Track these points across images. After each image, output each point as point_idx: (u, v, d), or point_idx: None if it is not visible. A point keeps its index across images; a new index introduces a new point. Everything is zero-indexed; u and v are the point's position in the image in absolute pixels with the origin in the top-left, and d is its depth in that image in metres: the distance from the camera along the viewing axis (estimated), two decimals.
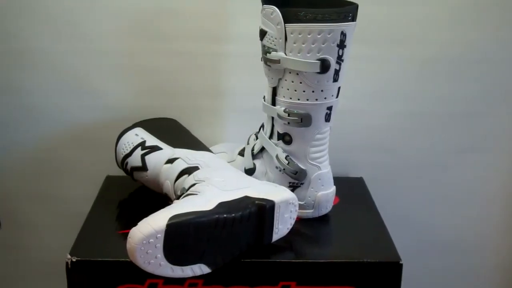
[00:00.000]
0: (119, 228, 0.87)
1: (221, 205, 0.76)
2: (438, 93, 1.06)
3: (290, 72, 0.84)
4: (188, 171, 0.85)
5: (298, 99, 0.84)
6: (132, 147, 0.93)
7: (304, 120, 0.85)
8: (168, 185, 0.87)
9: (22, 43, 1.02)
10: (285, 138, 0.88)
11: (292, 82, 0.84)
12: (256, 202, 0.78)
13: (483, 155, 1.09)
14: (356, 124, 1.07)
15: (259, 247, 0.81)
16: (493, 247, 1.15)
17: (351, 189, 1.01)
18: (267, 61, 0.85)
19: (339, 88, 0.86)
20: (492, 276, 1.17)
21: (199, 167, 0.85)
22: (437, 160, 1.10)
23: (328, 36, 0.81)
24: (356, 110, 1.06)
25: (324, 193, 0.89)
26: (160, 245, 0.71)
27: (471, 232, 1.14)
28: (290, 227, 0.83)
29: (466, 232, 1.14)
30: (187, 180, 0.84)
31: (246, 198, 0.79)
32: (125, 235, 0.73)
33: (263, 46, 0.86)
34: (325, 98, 0.84)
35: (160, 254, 0.72)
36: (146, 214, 0.74)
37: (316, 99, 0.84)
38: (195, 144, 0.94)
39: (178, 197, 0.82)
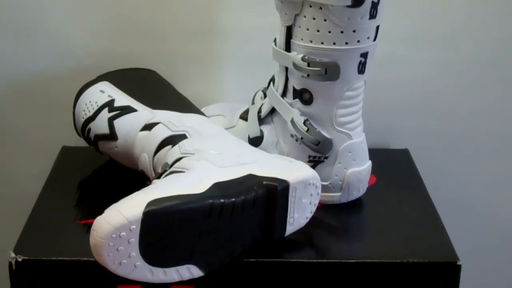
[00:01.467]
0: (79, 217, 0.87)
1: (217, 186, 0.76)
2: (500, 36, 1.05)
3: (310, 6, 0.83)
4: (172, 140, 0.85)
5: (322, 43, 0.84)
6: (96, 108, 0.93)
7: (330, 72, 0.85)
8: (145, 160, 0.88)
9: None
10: (304, 96, 0.88)
11: (314, 19, 0.84)
12: (264, 182, 0.79)
13: None
14: (400, 78, 1.07)
15: (268, 243, 0.81)
16: None
17: (392, 165, 1.01)
18: None
19: (377, 27, 0.86)
20: None
21: (187, 135, 0.86)
22: (506, 129, 1.10)
23: None
24: (400, 59, 1.06)
25: (355, 170, 0.90)
26: (135, 240, 0.72)
27: None
28: (309, 216, 0.84)
29: None
30: (170, 153, 0.84)
31: (251, 177, 0.79)
32: (88, 227, 0.73)
33: None
34: (358, 41, 0.84)
35: (135, 252, 0.72)
36: (115, 199, 0.74)
37: (346, 43, 0.84)
38: (182, 105, 0.94)
39: (158, 176, 0.82)
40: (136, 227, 0.71)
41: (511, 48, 1.07)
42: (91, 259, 0.73)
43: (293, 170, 0.82)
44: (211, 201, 0.75)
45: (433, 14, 1.05)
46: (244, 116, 0.97)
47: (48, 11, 1.04)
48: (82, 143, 0.99)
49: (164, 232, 0.73)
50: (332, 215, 0.89)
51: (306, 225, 0.84)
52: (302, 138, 0.89)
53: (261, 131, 0.94)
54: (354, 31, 0.83)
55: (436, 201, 0.93)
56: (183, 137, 0.86)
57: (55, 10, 1.04)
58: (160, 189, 0.75)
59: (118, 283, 0.78)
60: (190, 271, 0.76)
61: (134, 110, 0.91)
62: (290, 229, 0.82)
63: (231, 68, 1.07)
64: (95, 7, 1.04)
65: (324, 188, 0.89)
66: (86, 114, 0.94)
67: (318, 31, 0.84)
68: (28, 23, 1.04)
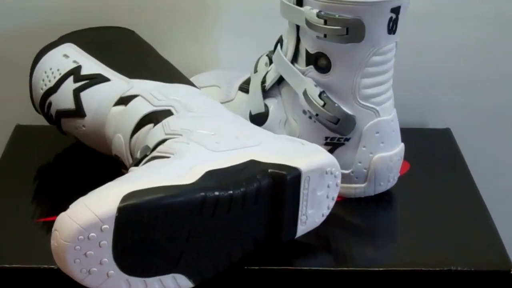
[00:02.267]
0: (37, 213, 0.87)
1: (210, 175, 0.76)
2: None
3: None
4: (155, 117, 0.86)
5: None
6: (58, 77, 0.93)
7: (352, 31, 0.85)
8: (120, 142, 0.88)
9: None
10: (320, 62, 0.88)
11: None
12: (270, 170, 0.79)
13: None
14: (442, 40, 1.07)
15: (274, 246, 0.81)
16: None
17: (430, 148, 1.02)
18: None
19: None
20: None
21: (173, 111, 0.86)
22: None
23: None
24: (441, 15, 1.06)
25: (384, 155, 0.90)
26: (107, 242, 0.72)
27: None
28: (326, 212, 0.84)
29: None
30: (152, 133, 0.84)
31: (253, 163, 0.79)
32: (49, 226, 0.73)
33: None
34: None
35: (108, 258, 0.72)
36: (83, 191, 0.74)
37: None
38: (167, 73, 0.94)
39: (137, 162, 0.82)
40: (109, 227, 0.71)
41: None
42: (53, 266, 0.74)
43: (306, 155, 0.82)
44: (203, 193, 0.75)
45: None
46: (244, 87, 0.97)
47: None
48: (40, 120, 0.99)
49: (144, 233, 0.73)
50: (355, 211, 0.90)
51: (322, 224, 0.84)
52: (317, 114, 0.89)
53: (266, 106, 0.94)
54: None
55: (484, 194, 0.93)
56: (167, 113, 0.86)
57: None
58: (139, 179, 0.75)
59: None
60: (177, 282, 0.76)
61: (106, 80, 0.92)
62: (302, 229, 0.82)
63: (227, 26, 1.07)
64: None
65: (345, 178, 0.89)
66: (45, 85, 0.94)
67: None
68: None
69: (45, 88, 0.94)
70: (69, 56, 0.95)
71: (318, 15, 0.85)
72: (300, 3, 0.87)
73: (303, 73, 0.90)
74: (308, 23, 0.86)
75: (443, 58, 1.08)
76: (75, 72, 0.93)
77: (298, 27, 0.89)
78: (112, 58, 0.94)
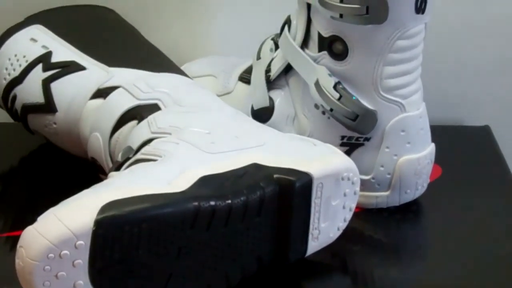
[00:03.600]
0: (0, 226, 0.87)
1: (205, 182, 0.77)
2: None
3: None
4: (139, 113, 0.86)
5: None
6: (25, 65, 0.94)
7: (373, 10, 0.85)
8: (97, 142, 0.88)
9: None
10: (335, 48, 0.89)
11: None
12: (275, 176, 0.79)
13: None
14: (481, 21, 1.08)
15: (281, 266, 0.82)
16: None
17: (467, 149, 1.03)
18: None
19: None
20: None
21: (161, 105, 0.87)
22: None
23: None
24: None
25: (411, 158, 0.90)
26: (82, 261, 0.72)
27: None
28: (343, 226, 0.84)
29: None
30: (136, 132, 0.85)
31: (255, 168, 0.79)
32: (14, 242, 0.74)
33: None
34: None
35: (84, 280, 0.72)
36: (54, 201, 0.74)
37: None
38: (153, 60, 0.95)
39: (118, 166, 0.82)
40: (84, 243, 0.71)
41: None
42: None
43: (318, 157, 0.82)
44: (196, 203, 0.75)
45: None
46: (245, 77, 0.98)
47: None
48: (4, 117, 0.99)
49: (126, 250, 0.73)
50: (377, 225, 0.90)
51: (337, 240, 0.84)
52: (331, 109, 0.89)
53: (271, 100, 0.94)
54: None
55: None
56: (154, 108, 0.86)
57: None
58: (121, 186, 0.75)
59: None
60: None
61: (82, 68, 0.92)
62: (314, 245, 0.83)
63: (224, 6, 1.08)
64: None
65: (365, 185, 0.90)
66: (9, 74, 0.95)
67: None
68: None
69: (8, 78, 0.95)
70: (37, 40, 0.95)
71: None
72: None
73: (315, 60, 0.90)
74: (322, 0, 0.86)
75: (483, 44, 1.08)
76: (44, 59, 0.93)
77: (309, 6, 0.89)
78: (88, 42, 0.95)
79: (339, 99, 0.88)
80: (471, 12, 1.07)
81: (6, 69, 0.95)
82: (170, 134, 0.82)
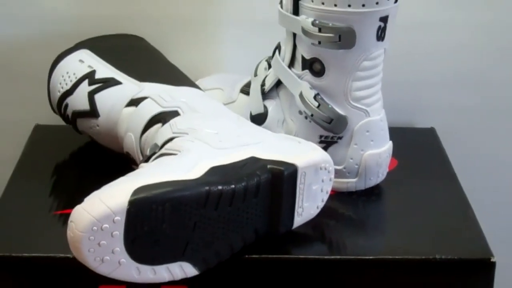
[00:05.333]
0: (54, 206, 0.87)
1: (214, 171, 0.76)
2: None
3: None
4: (163, 118, 0.85)
5: (335, 5, 0.84)
6: (74, 80, 0.93)
7: (344, 38, 0.85)
8: (131, 140, 0.88)
9: None
10: (314, 67, 0.88)
11: None
12: (269, 166, 0.78)
13: None
14: (426, 46, 1.07)
15: (273, 237, 0.81)
16: None
17: (416, 146, 1.02)
18: None
19: None
20: None
21: (180, 111, 0.86)
22: None
23: None
24: (425, 23, 1.06)
25: (374, 152, 0.90)
26: (119, 233, 0.71)
27: None
28: (321, 205, 0.84)
29: None
30: (161, 132, 0.84)
31: (253, 160, 0.79)
32: (65, 218, 0.73)
33: None
34: (376, 3, 0.84)
35: (120, 247, 0.72)
36: (96, 186, 0.73)
37: (363, 5, 0.84)
38: (174, 76, 0.94)
39: (147, 159, 0.82)
40: (120, 218, 0.71)
41: None
42: (69, 255, 0.73)
43: (302, 152, 0.81)
44: (207, 188, 0.74)
45: None
46: (245, 90, 0.97)
47: None
48: (58, 121, 0.98)
49: (153, 224, 0.73)
50: (347, 204, 0.89)
51: (317, 216, 0.84)
52: (312, 115, 0.89)
53: (265, 107, 0.93)
54: None
55: (466, 189, 0.93)
56: (175, 114, 0.86)
57: None
58: (149, 174, 0.74)
59: (100, 283, 0.78)
60: (183, 269, 0.76)
61: (119, 83, 0.91)
62: (299, 220, 0.82)
63: (230, 34, 1.07)
64: None
65: (338, 173, 0.89)
66: (62, 88, 0.94)
67: None
68: None
69: (62, 90, 0.94)
70: (84, 61, 0.94)
71: (313, 24, 0.85)
72: (297, 13, 0.87)
73: (299, 76, 0.89)
74: (304, 31, 0.86)
75: (428, 63, 1.08)
76: (90, 76, 0.93)
77: (294, 35, 0.88)
78: (123, 63, 0.94)
79: (318, 107, 0.88)
80: (420, 38, 1.07)
81: (60, 83, 0.94)
82: (187, 134, 0.82)
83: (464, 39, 1.07)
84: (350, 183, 0.91)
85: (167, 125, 0.84)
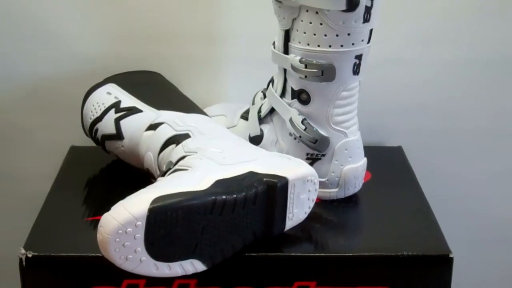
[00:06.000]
0: (87, 214, 0.87)
1: (219, 183, 0.76)
2: (499, 36, 1.05)
3: (307, 10, 0.83)
4: (176, 139, 0.85)
5: (318, 46, 0.84)
6: (103, 109, 0.93)
7: (326, 73, 0.85)
8: (150, 158, 0.87)
9: None
10: (302, 97, 0.88)
11: (310, 23, 0.83)
12: (264, 179, 0.78)
13: None
14: (394, 79, 1.07)
15: (269, 238, 0.81)
16: None
17: (387, 162, 1.01)
18: None
19: (371, 31, 0.85)
20: None
21: (190, 134, 0.85)
22: (500, 127, 1.09)
23: None
24: (394, 60, 1.05)
25: (352, 167, 0.89)
26: (140, 235, 0.71)
27: None
28: (308, 211, 0.83)
29: None
30: (174, 152, 0.84)
31: (251, 174, 0.78)
32: (95, 223, 0.73)
33: None
34: (352, 44, 0.84)
35: (141, 247, 0.72)
36: (121, 196, 0.73)
37: (341, 45, 0.83)
38: (186, 105, 0.93)
39: (163, 174, 0.82)
40: (141, 223, 0.71)
41: (503, 49, 1.07)
42: (98, 254, 0.73)
43: (292, 167, 0.81)
44: (213, 197, 0.74)
45: (425, 17, 1.05)
46: (244, 116, 0.96)
47: (59, 16, 1.03)
48: (89, 142, 0.98)
49: (168, 228, 0.72)
50: (330, 210, 0.89)
51: (304, 220, 0.83)
52: (300, 136, 0.88)
53: (261, 130, 0.93)
54: (348, 34, 0.83)
55: (429, 197, 0.92)
56: (186, 136, 0.85)
57: (67, 16, 1.03)
58: (165, 187, 0.74)
59: (124, 278, 0.78)
60: (194, 266, 0.75)
61: (140, 111, 0.91)
62: (290, 224, 0.82)
63: (232, 70, 1.07)
64: (103, 13, 1.04)
65: (322, 184, 0.88)
66: (93, 115, 0.94)
67: (314, 34, 0.83)
68: (40, 28, 1.03)
69: (93, 117, 0.94)
70: (111, 93, 0.94)
71: (300, 61, 0.85)
72: (287, 52, 0.87)
73: (289, 105, 0.89)
74: (293, 67, 0.86)
75: (397, 93, 1.08)
76: (116, 105, 0.92)
77: (285, 70, 0.88)
78: (144, 94, 0.94)
79: (305, 129, 0.88)
80: (390, 72, 1.07)
81: (91, 112, 0.94)
82: (196, 152, 0.81)
83: (428, 74, 1.07)
84: (332, 192, 0.90)
85: (180, 145, 0.84)
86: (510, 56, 1.07)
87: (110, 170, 0.97)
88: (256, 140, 0.93)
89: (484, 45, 1.05)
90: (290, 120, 0.89)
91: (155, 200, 0.72)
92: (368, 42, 0.85)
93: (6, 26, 1.03)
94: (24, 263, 0.78)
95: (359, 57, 0.85)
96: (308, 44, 0.84)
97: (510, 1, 1.04)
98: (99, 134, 0.93)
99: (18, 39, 1.04)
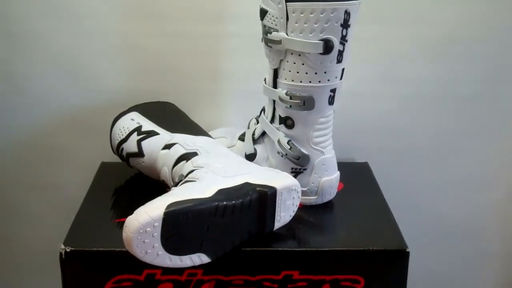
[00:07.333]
0: (114, 216, 0.87)
1: (221, 192, 0.76)
2: (447, 75, 1.05)
3: (292, 53, 0.83)
4: (186, 157, 0.85)
5: (300, 81, 0.84)
6: (127, 132, 0.92)
7: (307, 103, 0.85)
8: (165, 172, 0.87)
9: (12, 25, 1.01)
10: (287, 122, 0.87)
11: (294, 63, 0.83)
12: (257, 188, 0.78)
13: (493, 139, 1.09)
14: (362, 107, 1.07)
15: (261, 236, 0.80)
16: (503, 234, 1.15)
17: (356, 174, 1.01)
18: (268, 42, 0.85)
19: (343, 69, 0.85)
20: (502, 263, 1.17)
21: (198, 152, 0.85)
22: (446, 145, 1.09)
23: (331, 15, 0.80)
24: (361, 93, 1.05)
25: (327, 179, 0.89)
26: (157, 234, 0.71)
27: (480, 218, 1.13)
28: (292, 214, 0.83)
29: (475, 218, 1.13)
30: (185, 166, 0.83)
31: (247, 184, 0.78)
32: (121, 224, 0.73)
33: (264, 26, 0.85)
34: (328, 80, 0.84)
35: (158, 244, 0.71)
36: (142, 202, 0.73)
37: (319, 81, 0.84)
38: (194, 129, 0.93)
39: (176, 184, 0.81)
40: (158, 224, 0.71)
41: (446, 85, 1.07)
42: (124, 249, 0.73)
43: (279, 178, 0.81)
44: (216, 203, 0.74)
45: (386, 60, 1.05)
46: (241, 138, 0.96)
47: (93, 58, 1.03)
48: (117, 159, 0.97)
49: (180, 228, 0.72)
50: (310, 213, 0.88)
51: (290, 221, 0.83)
52: (286, 154, 0.88)
53: (255, 149, 0.93)
54: (325, 72, 0.83)
55: (389, 203, 0.92)
56: (194, 154, 0.85)
57: (99, 57, 1.03)
58: (177, 194, 0.74)
59: (144, 268, 0.78)
60: (200, 258, 0.75)
61: (157, 134, 0.91)
62: (278, 224, 0.82)
63: (231, 101, 1.06)
64: (129, 55, 1.04)
65: (303, 193, 0.88)
66: (120, 137, 0.93)
67: (297, 72, 0.84)
68: (78, 66, 1.03)
69: (119, 139, 0.93)
70: (134, 119, 0.94)
71: (286, 94, 0.85)
72: (275, 86, 0.87)
73: (277, 129, 0.89)
74: (280, 98, 0.86)
75: (365, 120, 1.07)
76: (138, 129, 0.92)
77: (274, 101, 0.88)
78: (160, 120, 0.93)
79: (290, 149, 0.88)
80: (358, 103, 1.06)
81: (118, 134, 0.93)
82: (203, 167, 0.81)
83: (389, 104, 1.07)
84: (312, 199, 0.90)
85: (189, 161, 0.84)
86: (452, 92, 1.07)
87: (133, 182, 0.97)
88: (251, 157, 0.93)
89: (431, 82, 1.06)
90: (278, 141, 0.89)
91: (169, 206, 0.72)
92: (341, 78, 0.86)
93: (47, 63, 1.03)
94: (63, 256, 0.78)
95: (333, 90, 0.85)
96: (293, 80, 0.84)
97: (453, 46, 1.04)
98: (124, 152, 0.93)
99: (61, 77, 1.04)
